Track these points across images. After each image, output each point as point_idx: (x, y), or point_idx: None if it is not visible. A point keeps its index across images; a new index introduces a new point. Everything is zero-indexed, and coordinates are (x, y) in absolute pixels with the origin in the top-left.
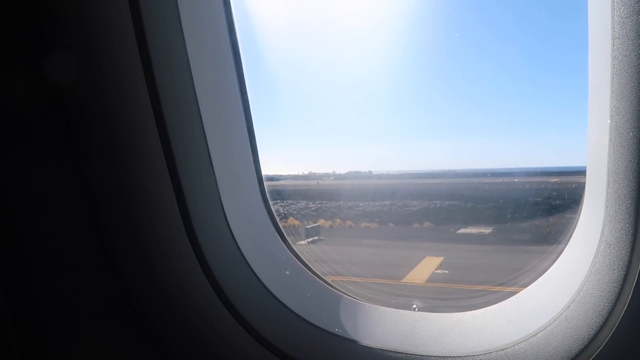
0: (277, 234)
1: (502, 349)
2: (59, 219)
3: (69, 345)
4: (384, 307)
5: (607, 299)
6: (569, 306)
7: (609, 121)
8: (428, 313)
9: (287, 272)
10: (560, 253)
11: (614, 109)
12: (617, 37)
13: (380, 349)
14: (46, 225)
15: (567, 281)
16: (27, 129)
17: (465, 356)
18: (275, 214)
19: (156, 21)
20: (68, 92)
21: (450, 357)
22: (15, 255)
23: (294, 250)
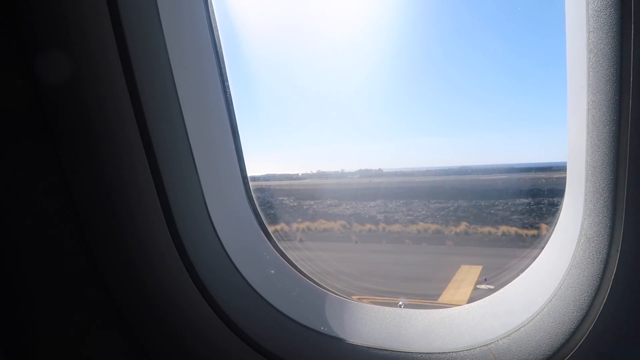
0: (262, 233)
1: (486, 345)
2: (40, 222)
3: (53, 348)
4: (370, 305)
5: (587, 292)
6: (550, 300)
7: (585, 115)
8: (413, 310)
9: (273, 271)
10: (542, 248)
11: (590, 102)
12: (591, 31)
13: (367, 347)
14: (27, 228)
15: (549, 276)
16: (5, 130)
17: (450, 352)
18: (260, 213)
19: (135, 20)
20: (46, 93)
21: (436, 353)
22: None
23: (280, 249)
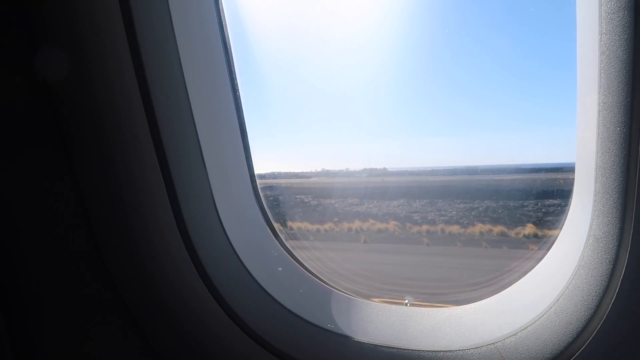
0: (269, 231)
1: (492, 343)
2: (50, 220)
3: (61, 344)
4: (377, 303)
5: (595, 292)
6: (558, 300)
7: (596, 116)
8: (420, 308)
9: (280, 269)
10: (550, 247)
11: (601, 104)
12: (604, 33)
13: (373, 344)
14: (37, 226)
15: (557, 275)
16: (16, 130)
17: (456, 350)
18: (267, 211)
19: (146, 19)
20: (58, 91)
21: (442, 351)
22: (4, 256)
23: (287, 247)
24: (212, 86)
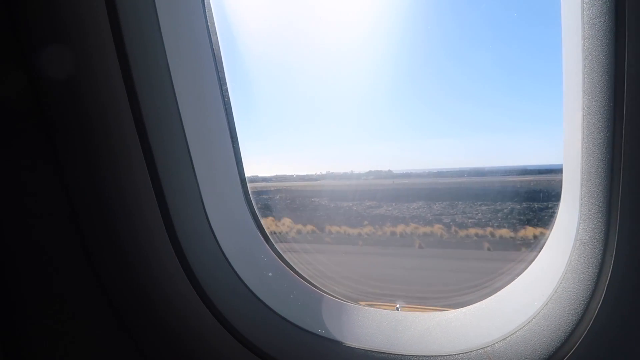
0: (260, 236)
1: (482, 348)
2: (37, 221)
3: (50, 350)
4: (368, 307)
5: (583, 296)
6: (546, 304)
7: (581, 120)
8: (411, 313)
9: (270, 274)
10: (538, 252)
11: (585, 108)
12: (587, 38)
13: (364, 350)
14: (24, 230)
15: (545, 280)
16: (3, 131)
17: (446, 355)
18: (258, 215)
19: (133, 22)
20: (45, 93)
21: (432, 356)
22: None
23: (278, 252)
24: (201, 90)
